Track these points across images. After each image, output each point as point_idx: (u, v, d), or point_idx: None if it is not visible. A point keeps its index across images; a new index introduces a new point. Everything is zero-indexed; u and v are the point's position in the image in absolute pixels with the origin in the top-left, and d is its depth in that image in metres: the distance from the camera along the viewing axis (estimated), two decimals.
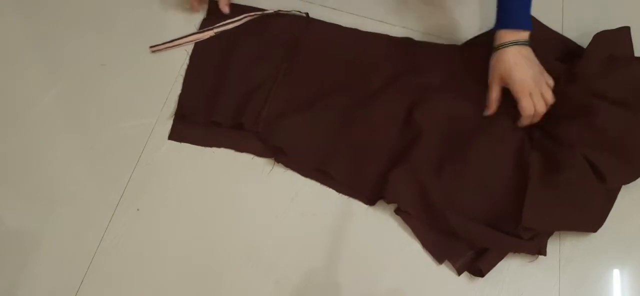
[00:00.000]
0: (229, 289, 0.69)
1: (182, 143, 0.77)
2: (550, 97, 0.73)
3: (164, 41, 0.84)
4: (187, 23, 0.87)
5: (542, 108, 0.72)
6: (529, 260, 0.71)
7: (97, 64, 0.83)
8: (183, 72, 0.82)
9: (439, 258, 0.71)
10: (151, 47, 0.84)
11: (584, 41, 0.82)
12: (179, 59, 0.83)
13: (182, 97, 0.80)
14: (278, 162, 0.76)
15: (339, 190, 0.74)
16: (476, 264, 0.69)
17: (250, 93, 0.78)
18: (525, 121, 0.73)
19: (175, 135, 0.77)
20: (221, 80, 0.80)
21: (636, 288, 0.70)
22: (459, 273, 0.70)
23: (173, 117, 0.78)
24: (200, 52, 0.84)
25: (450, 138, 0.75)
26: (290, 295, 0.69)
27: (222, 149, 0.77)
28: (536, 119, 0.73)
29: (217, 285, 0.69)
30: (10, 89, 0.81)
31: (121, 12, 0.87)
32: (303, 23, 0.86)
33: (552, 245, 0.71)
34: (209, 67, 0.82)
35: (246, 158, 0.76)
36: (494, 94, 0.74)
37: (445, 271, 0.70)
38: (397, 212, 0.73)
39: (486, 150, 0.74)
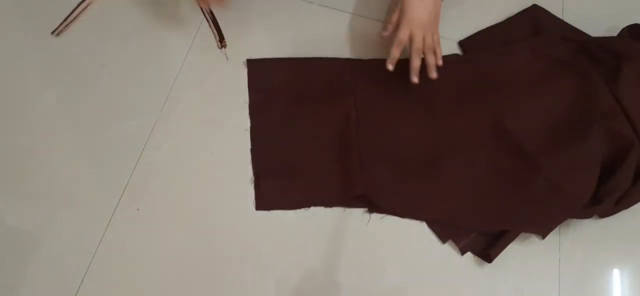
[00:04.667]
0: (229, 289, 0.69)
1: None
2: (429, 44, 0.73)
3: (65, 19, 0.84)
4: (187, 21, 0.87)
5: (417, 46, 0.72)
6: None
7: (97, 64, 0.83)
8: (183, 72, 0.82)
9: (443, 237, 0.72)
10: (53, 32, 0.84)
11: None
12: (179, 60, 0.83)
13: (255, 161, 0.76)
14: (371, 212, 0.74)
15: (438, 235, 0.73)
16: (486, 251, 0.70)
17: (332, 156, 0.76)
18: (394, 47, 0.73)
19: (262, 203, 0.74)
20: (294, 150, 0.77)
21: (636, 288, 0.70)
22: (462, 253, 0.71)
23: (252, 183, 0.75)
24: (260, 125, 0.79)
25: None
26: (290, 295, 0.69)
27: (221, 149, 0.77)
28: (414, 57, 0.73)
29: (217, 285, 0.69)
30: (10, 89, 0.81)
31: (121, 12, 0.87)
32: (347, 66, 0.83)
33: (552, 244, 0.71)
34: (274, 137, 0.78)
35: (245, 158, 0.76)
36: (395, 16, 0.75)
37: (444, 270, 0.70)
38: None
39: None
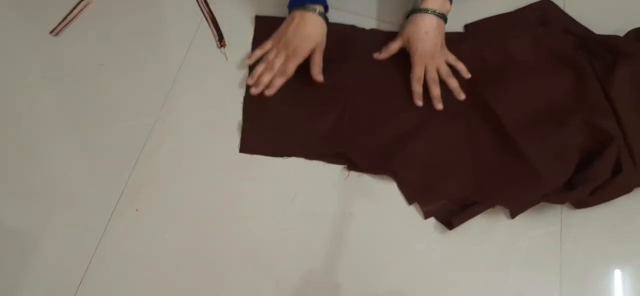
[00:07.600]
0: (229, 289, 0.69)
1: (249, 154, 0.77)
2: (444, 72, 0.80)
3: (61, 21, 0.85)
4: (187, 21, 0.87)
5: (432, 76, 0.79)
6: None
7: (96, 64, 0.83)
8: (182, 72, 0.82)
9: (410, 198, 0.74)
10: (51, 31, 0.85)
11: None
12: (179, 60, 0.83)
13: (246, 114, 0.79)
14: (350, 170, 0.76)
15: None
16: (449, 218, 0.72)
17: (317, 112, 0.79)
18: (415, 84, 0.79)
19: (246, 146, 0.77)
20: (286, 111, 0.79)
21: (638, 288, 0.69)
22: (426, 217, 0.73)
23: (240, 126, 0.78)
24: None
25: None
26: (290, 295, 0.69)
27: (221, 149, 0.77)
28: (432, 86, 0.79)
29: (217, 285, 0.69)
30: (10, 89, 0.81)
31: (121, 12, 0.87)
32: (350, 33, 0.86)
33: (554, 244, 0.71)
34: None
35: (245, 158, 0.76)
36: (395, 46, 0.81)
37: (445, 271, 0.70)
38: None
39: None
